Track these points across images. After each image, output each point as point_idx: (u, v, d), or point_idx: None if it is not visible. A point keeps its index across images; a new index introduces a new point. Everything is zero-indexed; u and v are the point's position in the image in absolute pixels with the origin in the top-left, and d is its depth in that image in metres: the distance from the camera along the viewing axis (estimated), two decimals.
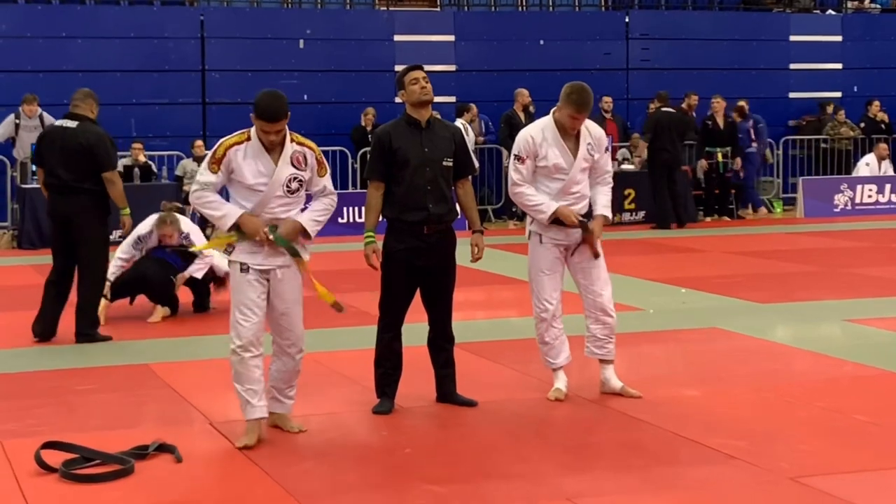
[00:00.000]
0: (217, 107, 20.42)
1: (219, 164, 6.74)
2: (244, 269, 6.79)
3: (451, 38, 22.41)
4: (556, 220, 7.60)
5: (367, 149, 17.86)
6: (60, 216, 10.01)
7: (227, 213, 6.77)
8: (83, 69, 20.21)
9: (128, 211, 10.13)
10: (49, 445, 6.38)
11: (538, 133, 7.65)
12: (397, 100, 8.08)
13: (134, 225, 10.70)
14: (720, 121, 20.23)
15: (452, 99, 21.63)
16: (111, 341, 10.01)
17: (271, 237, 6.74)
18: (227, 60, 21.07)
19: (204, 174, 6.79)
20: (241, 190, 6.80)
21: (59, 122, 10.27)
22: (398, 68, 7.87)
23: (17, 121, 18.47)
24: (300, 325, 6.98)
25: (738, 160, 20.38)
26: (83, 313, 10.02)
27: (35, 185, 17.58)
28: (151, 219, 11.27)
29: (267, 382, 6.93)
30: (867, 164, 21.58)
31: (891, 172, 21.64)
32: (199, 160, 18.72)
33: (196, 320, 11.05)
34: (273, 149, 6.76)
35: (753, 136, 20.98)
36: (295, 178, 6.80)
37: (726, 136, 20.26)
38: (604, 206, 7.76)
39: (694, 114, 21.04)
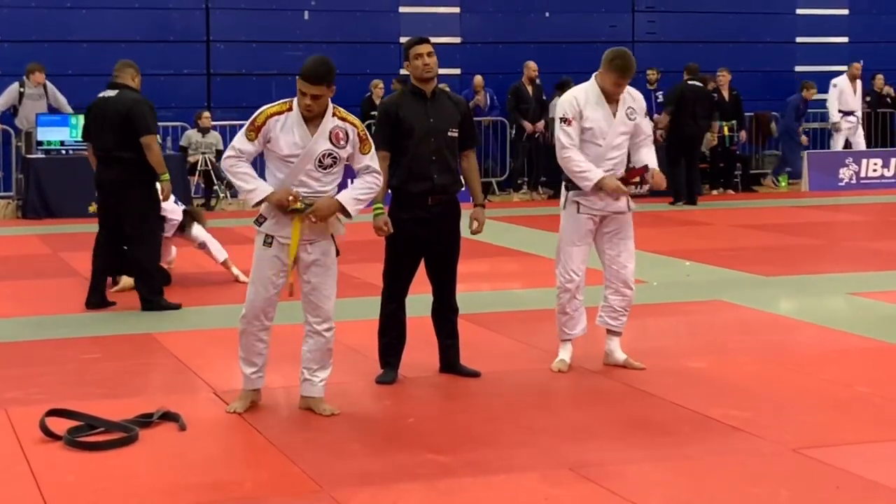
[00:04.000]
0: (222, 78, 20.35)
1: (257, 132, 6.57)
2: (268, 242, 6.65)
3: (457, 9, 22.31)
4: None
5: (371, 121, 17.86)
6: (105, 186, 10.05)
7: (257, 187, 6.59)
8: (88, 39, 20.17)
9: (167, 177, 10.04)
10: (53, 413, 6.39)
11: (582, 95, 7.65)
12: (402, 71, 8.05)
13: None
14: (725, 94, 20.17)
15: (457, 71, 21.56)
16: (177, 308, 9.97)
17: (299, 202, 6.52)
18: (232, 31, 20.99)
19: (240, 140, 6.62)
20: (274, 160, 6.64)
21: (101, 94, 10.29)
22: (403, 40, 7.84)
23: (22, 90, 18.43)
24: (330, 302, 6.79)
25: (744, 133, 20.39)
26: (143, 282, 10.04)
27: (39, 155, 17.63)
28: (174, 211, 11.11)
29: (300, 365, 6.88)
30: (834, 86, 21.15)
31: (860, 94, 21.37)
32: (203, 131, 18.72)
33: (200, 290, 11.04)
34: (311, 119, 6.58)
35: None
36: (329, 154, 6.58)
37: (731, 109, 20.21)
38: (653, 164, 7.75)
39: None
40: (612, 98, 7.61)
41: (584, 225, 7.66)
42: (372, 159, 6.75)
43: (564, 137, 7.64)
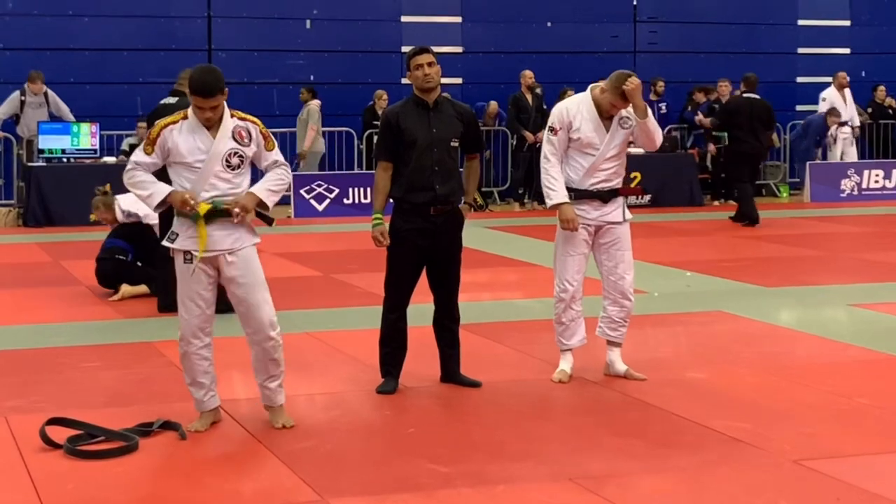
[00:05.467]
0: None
1: (153, 145, 6.43)
2: (188, 259, 6.46)
3: (459, 19, 22.37)
4: (587, 195, 7.60)
5: (373, 130, 17.87)
6: None
7: (154, 191, 6.45)
8: (89, 47, 20.23)
9: None
10: (54, 422, 6.39)
11: (574, 106, 7.66)
12: (404, 80, 8.07)
13: None
14: None
15: (459, 80, 21.60)
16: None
17: (197, 205, 6.36)
18: (234, 40, 21.04)
19: (138, 154, 6.50)
20: (179, 169, 6.48)
21: (163, 101, 10.36)
22: (405, 49, 7.85)
23: (23, 98, 18.44)
24: (264, 311, 6.54)
25: None
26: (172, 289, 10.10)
27: (40, 164, 17.63)
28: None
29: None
30: (824, 99, 21.14)
31: (851, 103, 21.40)
32: None
33: None
34: (211, 126, 6.45)
35: None
36: (236, 153, 6.45)
37: None
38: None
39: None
40: (605, 113, 7.62)
41: (578, 234, 7.65)
42: (277, 154, 6.63)
43: (547, 146, 7.68)
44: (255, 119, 6.63)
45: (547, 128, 7.77)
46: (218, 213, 6.43)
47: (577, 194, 7.62)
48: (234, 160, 6.46)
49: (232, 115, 6.54)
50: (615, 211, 7.69)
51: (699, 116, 20.82)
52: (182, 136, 6.45)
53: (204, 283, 6.52)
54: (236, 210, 6.40)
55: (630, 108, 7.59)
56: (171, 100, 10.24)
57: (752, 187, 17.56)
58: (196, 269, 6.47)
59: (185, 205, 6.36)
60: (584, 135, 7.58)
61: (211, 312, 6.60)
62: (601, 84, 7.65)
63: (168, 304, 9.90)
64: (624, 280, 7.74)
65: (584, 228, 7.66)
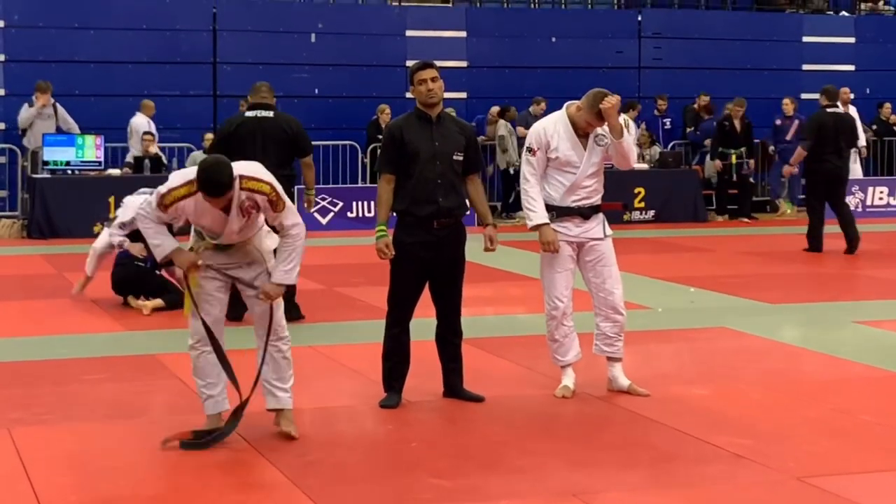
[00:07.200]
0: (228, 99, 20.38)
1: (166, 209, 6.53)
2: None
3: (463, 34, 22.40)
4: (568, 212, 7.62)
5: (378, 144, 17.88)
6: None
7: (162, 243, 6.63)
8: (95, 60, 20.27)
9: (314, 191, 10.99)
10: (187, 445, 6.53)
11: (551, 126, 7.68)
12: (408, 95, 8.08)
13: None
14: (737, 123, 20.08)
15: (464, 95, 21.63)
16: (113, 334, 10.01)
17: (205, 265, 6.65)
18: (239, 53, 21.07)
19: (151, 209, 6.57)
20: (197, 228, 6.73)
21: (251, 113, 10.40)
22: (409, 63, 7.86)
23: (31, 108, 18.49)
24: (275, 312, 6.73)
25: (752, 161, 20.39)
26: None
27: (45, 175, 17.66)
28: (135, 202, 11.22)
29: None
30: None
31: (854, 114, 21.32)
32: (208, 153, 18.72)
33: None
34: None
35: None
36: (245, 223, 6.59)
37: (742, 138, 20.15)
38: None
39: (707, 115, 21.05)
40: (582, 131, 7.63)
41: (562, 252, 7.65)
42: (286, 216, 6.60)
43: (526, 167, 7.71)
44: (264, 186, 6.50)
45: (525, 148, 7.81)
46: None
47: (558, 212, 7.64)
48: (245, 225, 6.61)
49: (241, 187, 6.46)
50: (596, 227, 7.72)
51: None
52: (195, 211, 6.54)
53: (216, 285, 6.70)
54: (263, 298, 6.63)
55: (605, 127, 7.62)
56: (267, 113, 10.32)
57: (842, 213, 15.82)
58: (210, 274, 6.66)
59: (191, 266, 6.62)
60: (562, 153, 7.60)
61: (221, 315, 6.74)
62: (577, 102, 7.66)
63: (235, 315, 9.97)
64: (613, 295, 7.73)
65: (568, 244, 7.67)
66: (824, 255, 15.62)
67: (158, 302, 10.95)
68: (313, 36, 21.54)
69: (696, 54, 23.33)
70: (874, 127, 22.88)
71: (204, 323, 6.63)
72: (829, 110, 15.83)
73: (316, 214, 18.57)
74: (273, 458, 6.35)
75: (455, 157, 7.45)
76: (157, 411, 7.55)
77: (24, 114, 18.55)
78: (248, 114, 10.44)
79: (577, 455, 6.51)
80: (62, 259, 14.61)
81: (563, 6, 24.24)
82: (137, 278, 11.10)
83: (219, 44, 21.09)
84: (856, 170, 21.39)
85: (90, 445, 6.60)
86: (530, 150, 7.70)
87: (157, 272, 11.16)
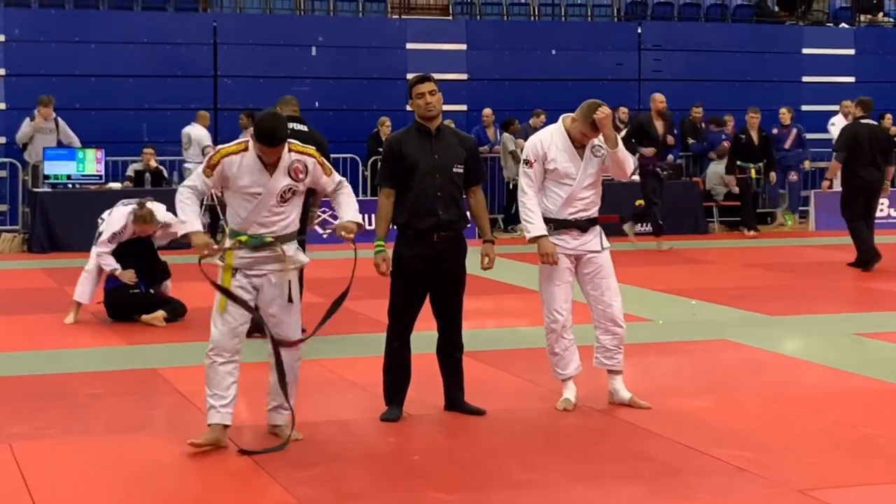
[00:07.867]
0: (229, 113, 20.43)
1: (212, 170, 6.69)
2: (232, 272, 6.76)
3: (464, 46, 22.43)
4: (565, 225, 7.63)
5: (378, 157, 17.88)
6: None
7: (186, 220, 6.75)
8: (96, 74, 20.30)
9: (318, 207, 10.89)
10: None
11: (547, 138, 7.70)
12: (408, 108, 8.09)
13: None
14: (755, 135, 19.72)
15: (464, 107, 21.66)
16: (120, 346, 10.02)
17: (222, 247, 6.76)
18: (240, 66, 21.11)
19: (196, 177, 6.78)
20: (235, 196, 6.77)
21: (297, 127, 10.28)
22: (410, 76, 7.87)
23: (32, 123, 18.50)
24: (295, 333, 6.89)
25: (773, 174, 20.16)
26: None
27: (46, 189, 17.66)
28: (121, 213, 11.24)
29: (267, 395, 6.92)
30: (833, 125, 20.98)
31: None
32: None
33: (205, 325, 11.00)
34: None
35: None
36: (290, 189, 6.74)
37: (760, 152, 19.77)
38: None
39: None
40: (578, 143, 7.64)
41: (560, 264, 7.66)
42: (335, 176, 7.00)
43: (524, 179, 7.72)
44: (312, 150, 6.91)
45: (522, 161, 7.83)
46: (262, 245, 6.76)
47: (556, 224, 7.65)
48: (288, 195, 6.76)
49: (290, 149, 6.75)
50: (593, 240, 7.72)
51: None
52: (241, 168, 6.68)
53: (246, 297, 6.77)
54: (344, 234, 6.89)
55: (601, 138, 7.63)
56: (302, 126, 10.21)
57: (870, 225, 15.39)
58: (235, 285, 6.76)
59: (204, 249, 6.65)
60: (559, 165, 7.62)
61: (241, 330, 6.80)
62: (572, 114, 7.68)
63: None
64: (612, 307, 7.73)
65: (566, 257, 7.67)
66: (826, 266, 15.62)
67: (161, 313, 10.95)
68: (314, 49, 21.57)
69: (697, 66, 23.36)
70: None
71: (239, 299, 6.73)
72: (862, 122, 15.45)
73: (316, 227, 18.53)
74: (274, 472, 6.34)
75: (455, 170, 7.45)
76: (157, 425, 7.54)
77: (23, 129, 18.57)
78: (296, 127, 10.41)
79: (579, 468, 6.50)
80: (63, 273, 14.58)
81: (563, 18, 24.27)
82: (132, 302, 11.07)
83: (219, 57, 21.12)
84: None
85: (91, 460, 6.59)
86: (527, 162, 7.71)
87: (151, 291, 11.16)
